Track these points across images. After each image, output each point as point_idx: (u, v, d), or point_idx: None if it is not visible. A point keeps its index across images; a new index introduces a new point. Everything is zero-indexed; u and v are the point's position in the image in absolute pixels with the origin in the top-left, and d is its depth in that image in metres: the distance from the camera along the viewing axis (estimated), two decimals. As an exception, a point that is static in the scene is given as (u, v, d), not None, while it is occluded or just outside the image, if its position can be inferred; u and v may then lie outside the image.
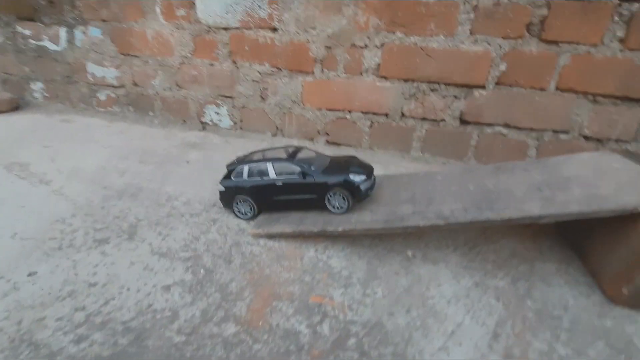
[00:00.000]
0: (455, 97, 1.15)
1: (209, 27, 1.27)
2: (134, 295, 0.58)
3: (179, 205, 0.86)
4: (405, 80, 1.17)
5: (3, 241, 0.71)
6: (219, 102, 1.37)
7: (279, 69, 1.26)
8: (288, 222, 0.76)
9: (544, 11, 1.01)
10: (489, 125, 1.16)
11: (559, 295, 0.66)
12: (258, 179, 0.77)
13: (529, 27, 1.04)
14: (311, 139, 1.33)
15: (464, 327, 0.58)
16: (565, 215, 0.61)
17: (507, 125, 1.15)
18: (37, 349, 0.49)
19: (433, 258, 0.74)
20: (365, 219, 0.73)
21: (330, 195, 0.75)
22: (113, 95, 1.54)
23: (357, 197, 0.75)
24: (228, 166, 0.83)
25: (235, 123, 1.39)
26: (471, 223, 0.65)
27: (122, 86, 1.50)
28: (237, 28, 1.24)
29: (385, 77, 1.18)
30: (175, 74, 1.38)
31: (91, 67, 1.51)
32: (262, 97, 1.31)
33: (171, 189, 0.93)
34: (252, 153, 0.86)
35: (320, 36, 1.18)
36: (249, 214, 0.80)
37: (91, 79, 1.53)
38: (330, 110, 1.27)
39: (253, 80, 1.29)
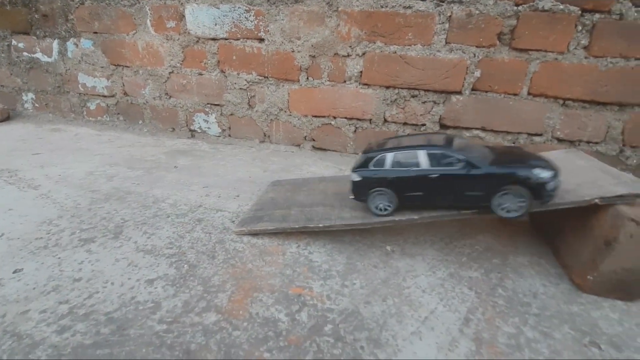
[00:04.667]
0: (435, 102, 1.21)
1: (198, 38, 1.32)
2: (117, 289, 0.60)
3: (165, 207, 0.88)
4: (387, 87, 1.23)
5: (-11, 242, 0.73)
6: (207, 110, 1.41)
7: (265, 77, 1.30)
8: (271, 220, 0.78)
9: (513, 21, 1.08)
10: (467, 129, 1.22)
11: (530, 284, 0.69)
12: (405, 169, 0.66)
13: (500, 36, 1.10)
14: (298, 145, 1.37)
15: (437, 313, 0.60)
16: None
17: (484, 129, 1.20)
18: (20, 339, 0.50)
19: (411, 252, 0.76)
20: (345, 215, 0.76)
21: (504, 194, 0.61)
22: (103, 104, 1.57)
23: (541, 198, 0.61)
24: (365, 153, 0.72)
25: (223, 130, 1.43)
26: (442, 216, 0.68)
27: (112, 96, 1.53)
28: (225, 39, 1.29)
29: (367, 85, 1.24)
30: (165, 83, 1.42)
31: (82, 78, 1.54)
32: (249, 104, 1.36)
33: (159, 192, 0.96)
34: (389, 140, 0.76)
35: (304, 46, 1.23)
36: (388, 209, 0.70)
37: (82, 89, 1.57)
38: (315, 117, 1.32)
39: (241, 89, 1.34)
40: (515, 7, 1.07)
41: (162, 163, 1.16)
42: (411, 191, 0.67)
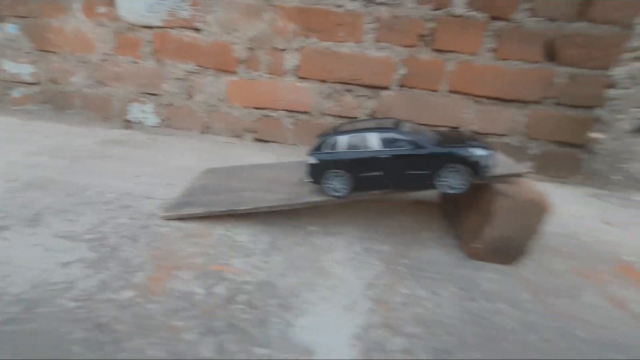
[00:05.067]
0: (367, 97, 1.30)
1: (132, 25, 1.28)
2: (29, 273, 0.59)
3: (90, 195, 0.86)
4: (323, 82, 1.29)
5: None
6: (144, 99, 1.38)
7: (204, 68, 1.31)
8: (199, 205, 0.81)
9: (432, 24, 1.20)
10: (396, 122, 1.33)
11: (430, 254, 0.79)
12: (358, 151, 0.70)
13: (422, 37, 1.22)
14: (239, 137, 1.40)
15: (346, 281, 0.67)
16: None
17: (410, 122, 1.32)
18: None
19: (333, 231, 0.84)
20: (271, 198, 0.81)
21: (446, 172, 0.68)
22: (29, 92, 1.46)
23: (479, 174, 0.68)
24: (321, 136, 0.75)
25: (162, 121, 1.41)
26: (361, 196, 0.76)
27: (37, 83, 1.44)
28: (160, 27, 1.27)
29: (304, 78, 1.29)
30: (97, 70, 1.36)
31: (4, 64, 1.43)
32: (188, 95, 1.35)
33: (85, 181, 0.93)
34: (344, 124, 0.80)
35: (242, 38, 1.26)
36: (343, 191, 0.74)
37: (4, 76, 1.45)
38: (256, 108, 1.35)
39: (178, 79, 1.33)
40: (434, 12, 1.18)
41: (92, 153, 1.12)
42: (365, 172, 0.71)
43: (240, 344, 0.51)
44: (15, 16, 1.36)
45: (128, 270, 0.63)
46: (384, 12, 1.19)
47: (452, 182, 0.70)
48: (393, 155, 0.69)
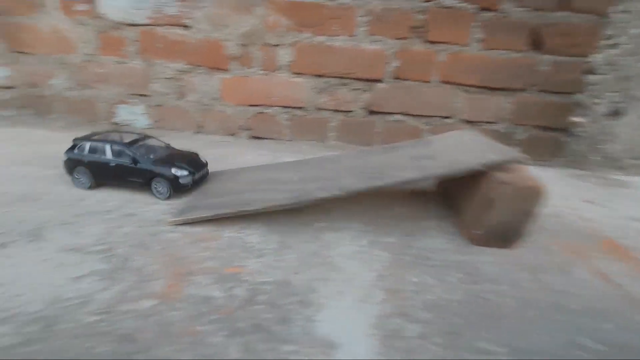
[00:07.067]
0: (362, 90, 1.31)
1: (115, 24, 1.23)
2: (43, 289, 0.58)
3: (91, 204, 0.84)
4: (317, 76, 1.29)
5: None
6: (132, 101, 1.34)
7: (195, 66, 1.28)
8: (206, 208, 0.81)
9: (423, 16, 1.21)
10: (390, 114, 1.35)
11: (433, 242, 0.82)
12: (97, 156, 0.90)
13: (413, 29, 1.23)
14: (233, 135, 1.38)
15: (358, 274, 0.70)
16: (430, 176, 0.78)
17: (404, 114, 1.34)
18: None
19: (338, 227, 0.85)
20: (277, 197, 0.82)
21: (156, 182, 0.89)
22: (4, 97, 1.39)
23: (177, 188, 0.89)
24: (74, 140, 0.93)
25: (154, 122, 1.37)
26: (364, 189, 0.78)
27: (12, 87, 1.36)
28: (146, 25, 1.23)
29: (298, 73, 1.29)
30: (79, 72, 1.31)
31: (-26, 66, 1.34)
32: (179, 94, 1.32)
33: (80, 190, 0.91)
34: (107, 133, 0.98)
35: (233, 34, 1.23)
36: (86, 184, 0.92)
37: (-25, 79, 1.36)
38: (250, 105, 1.34)
39: (168, 78, 1.29)
40: (425, 3, 1.20)
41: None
42: (101, 172, 0.90)
43: (267, 342, 0.52)
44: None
45: (143, 279, 0.63)
46: (375, 4, 1.19)
47: (160, 189, 0.89)
48: (117, 164, 0.89)
